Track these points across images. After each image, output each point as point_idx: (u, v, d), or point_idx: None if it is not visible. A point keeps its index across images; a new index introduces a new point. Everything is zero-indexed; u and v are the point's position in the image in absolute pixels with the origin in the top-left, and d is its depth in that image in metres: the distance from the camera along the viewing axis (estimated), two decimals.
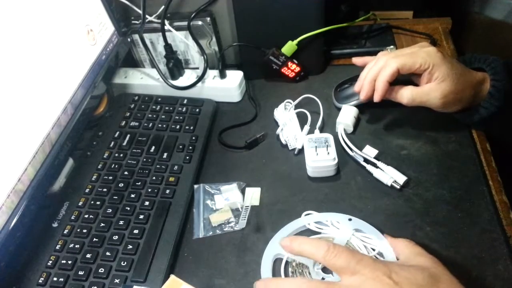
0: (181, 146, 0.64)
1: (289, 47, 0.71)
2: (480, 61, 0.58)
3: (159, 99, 0.71)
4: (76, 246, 0.53)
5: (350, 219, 0.52)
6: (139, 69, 0.77)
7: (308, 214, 0.54)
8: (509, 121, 0.57)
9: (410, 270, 0.39)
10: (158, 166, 0.61)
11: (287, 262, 0.49)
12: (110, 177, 0.60)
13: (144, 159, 0.63)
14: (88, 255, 0.52)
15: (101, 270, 0.50)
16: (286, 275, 0.48)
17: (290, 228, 0.52)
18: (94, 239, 0.53)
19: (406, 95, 0.56)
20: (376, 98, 0.57)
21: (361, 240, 0.49)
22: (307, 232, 0.52)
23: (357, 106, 0.65)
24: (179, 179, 0.60)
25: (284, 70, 0.72)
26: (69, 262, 0.51)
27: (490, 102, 0.55)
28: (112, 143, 0.65)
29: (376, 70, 0.57)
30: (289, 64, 0.72)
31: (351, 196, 0.56)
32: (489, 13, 0.80)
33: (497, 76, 0.55)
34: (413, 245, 0.45)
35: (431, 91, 0.55)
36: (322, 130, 0.65)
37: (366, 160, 0.59)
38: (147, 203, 0.57)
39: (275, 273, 0.49)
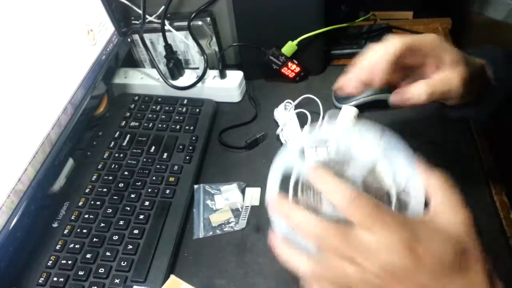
0: (181, 146, 0.64)
1: (289, 47, 0.71)
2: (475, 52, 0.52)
3: (159, 99, 0.71)
4: (76, 246, 0.53)
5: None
6: (139, 69, 0.78)
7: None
8: None
9: (440, 241, 0.32)
10: (158, 166, 0.61)
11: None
12: (110, 177, 0.60)
13: (144, 159, 0.63)
14: (88, 255, 0.52)
15: (101, 270, 0.50)
16: (295, 193, 0.42)
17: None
18: (94, 239, 0.53)
19: (423, 90, 0.45)
20: (377, 81, 0.43)
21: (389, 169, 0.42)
22: None
23: (357, 106, 0.65)
24: (179, 179, 0.60)
25: (284, 70, 0.72)
26: (69, 262, 0.51)
27: (492, 98, 0.48)
28: (112, 143, 0.65)
29: (375, 54, 0.44)
30: (289, 64, 0.72)
31: None
32: (489, 13, 0.80)
33: (496, 64, 0.49)
34: (450, 189, 0.37)
35: (449, 79, 0.45)
36: None
37: None
38: (147, 203, 0.57)
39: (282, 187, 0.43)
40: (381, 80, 0.44)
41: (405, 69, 0.47)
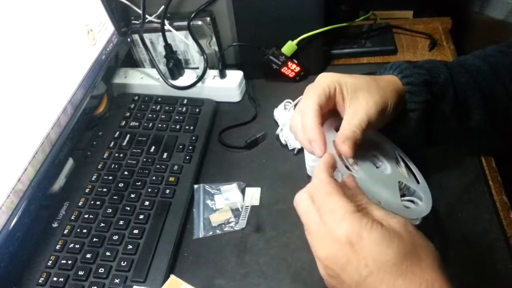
0: (181, 146, 0.64)
1: (289, 47, 0.71)
2: (381, 71, 0.51)
3: (159, 99, 0.71)
4: (76, 246, 0.53)
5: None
6: (139, 69, 0.78)
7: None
8: (443, 114, 0.50)
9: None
10: (158, 166, 0.61)
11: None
12: (110, 177, 0.60)
13: (144, 159, 0.63)
14: (88, 255, 0.52)
15: (101, 270, 0.50)
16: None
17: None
18: (94, 239, 0.53)
19: (350, 132, 0.42)
20: (318, 153, 0.42)
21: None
22: None
23: None
24: (179, 179, 0.60)
25: (284, 70, 0.72)
26: (69, 262, 0.51)
27: (413, 102, 0.47)
28: (112, 143, 0.65)
29: (298, 120, 0.44)
30: (289, 64, 0.72)
31: None
32: (489, 12, 0.80)
33: (406, 72, 0.48)
34: None
35: (361, 106, 0.44)
36: None
37: None
38: (147, 203, 0.57)
39: None
40: (322, 150, 0.42)
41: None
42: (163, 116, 0.69)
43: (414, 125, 0.49)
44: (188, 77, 0.74)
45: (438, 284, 0.32)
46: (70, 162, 0.63)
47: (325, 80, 0.45)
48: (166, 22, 0.70)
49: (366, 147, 0.46)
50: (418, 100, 0.47)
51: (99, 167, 0.62)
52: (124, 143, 0.65)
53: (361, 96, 0.44)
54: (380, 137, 0.51)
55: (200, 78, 0.71)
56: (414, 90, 0.47)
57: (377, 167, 0.47)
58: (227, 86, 0.71)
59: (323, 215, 0.35)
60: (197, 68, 0.75)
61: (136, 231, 0.54)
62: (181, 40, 0.74)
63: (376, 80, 0.46)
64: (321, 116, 0.43)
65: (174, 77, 0.73)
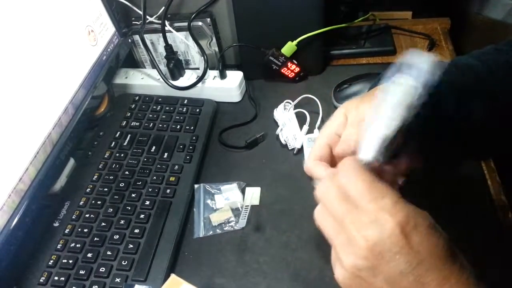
0: (181, 146, 0.64)
1: (288, 48, 0.71)
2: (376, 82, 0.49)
3: (160, 99, 0.72)
4: (77, 245, 0.53)
5: None
6: (140, 70, 0.78)
7: None
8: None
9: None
10: (158, 166, 0.62)
11: None
12: (111, 177, 0.60)
13: (145, 159, 0.63)
14: (89, 255, 0.52)
15: (102, 269, 0.51)
16: None
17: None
18: (95, 239, 0.54)
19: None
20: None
21: None
22: None
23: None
24: (180, 179, 0.60)
25: (284, 70, 0.73)
26: (70, 261, 0.52)
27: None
28: (113, 143, 0.65)
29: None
30: (289, 64, 0.72)
31: None
32: (488, 13, 0.80)
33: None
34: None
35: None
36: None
37: None
38: (147, 202, 0.57)
39: None
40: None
41: None
42: (163, 116, 0.69)
43: (410, 129, 0.48)
44: (188, 77, 0.74)
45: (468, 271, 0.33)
46: (71, 162, 0.63)
47: (341, 119, 0.42)
48: (166, 23, 0.70)
49: None
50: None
51: (100, 167, 0.62)
52: (125, 143, 0.65)
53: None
54: None
55: (201, 78, 0.71)
56: None
57: None
58: (227, 87, 0.72)
59: (361, 203, 0.33)
60: (198, 68, 0.75)
61: (136, 231, 0.54)
62: (181, 40, 0.74)
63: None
64: (327, 152, 0.42)
65: (174, 77, 0.74)
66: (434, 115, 0.48)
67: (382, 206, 0.32)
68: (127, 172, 0.61)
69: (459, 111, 0.49)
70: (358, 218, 0.32)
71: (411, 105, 0.39)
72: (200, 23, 0.72)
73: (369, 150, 0.37)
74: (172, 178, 0.60)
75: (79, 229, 0.55)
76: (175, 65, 0.73)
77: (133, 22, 0.74)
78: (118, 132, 0.67)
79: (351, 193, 0.33)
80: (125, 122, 0.69)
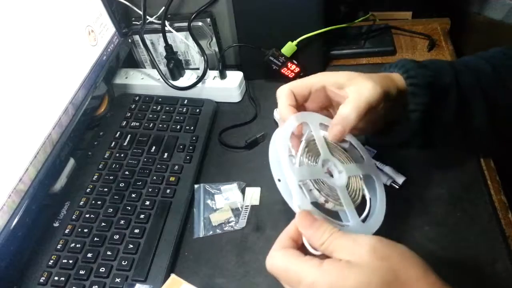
0: (181, 146, 0.64)
1: (288, 48, 0.71)
2: (386, 67, 0.51)
3: (160, 100, 0.72)
4: (77, 245, 0.53)
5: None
6: (140, 70, 0.78)
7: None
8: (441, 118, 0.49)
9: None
10: (158, 166, 0.62)
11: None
12: (111, 177, 0.60)
13: (145, 159, 0.63)
14: (89, 255, 0.52)
15: (102, 269, 0.51)
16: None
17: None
18: (95, 239, 0.54)
19: (347, 111, 0.42)
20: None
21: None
22: None
23: None
24: (180, 179, 0.60)
25: (284, 70, 0.73)
26: (70, 261, 0.52)
27: (414, 103, 0.47)
28: (113, 143, 0.65)
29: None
30: (289, 64, 0.72)
31: None
32: (488, 13, 0.81)
33: (410, 73, 0.47)
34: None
35: (359, 89, 0.43)
36: None
37: None
38: (147, 202, 0.57)
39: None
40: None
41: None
42: (163, 117, 0.69)
43: (413, 126, 0.48)
44: (188, 77, 0.74)
45: None
46: (71, 162, 0.63)
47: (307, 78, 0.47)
48: (166, 23, 0.70)
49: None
50: (420, 102, 0.47)
51: (100, 167, 0.62)
52: (125, 143, 0.65)
53: (359, 80, 0.43)
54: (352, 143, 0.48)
55: (201, 78, 0.71)
56: (417, 92, 0.47)
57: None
58: (227, 87, 0.72)
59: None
60: (198, 68, 0.75)
61: (136, 231, 0.54)
62: (181, 41, 0.74)
63: (376, 74, 0.46)
64: (294, 99, 0.45)
65: (174, 77, 0.74)
66: (437, 114, 0.49)
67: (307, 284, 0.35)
68: (127, 172, 0.61)
69: (463, 112, 0.50)
70: None
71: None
72: (200, 23, 0.72)
73: (295, 203, 0.41)
74: (172, 178, 0.60)
75: (79, 229, 0.55)
76: (175, 65, 0.73)
77: (133, 22, 0.74)
78: (118, 132, 0.67)
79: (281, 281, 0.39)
80: (125, 122, 0.69)
